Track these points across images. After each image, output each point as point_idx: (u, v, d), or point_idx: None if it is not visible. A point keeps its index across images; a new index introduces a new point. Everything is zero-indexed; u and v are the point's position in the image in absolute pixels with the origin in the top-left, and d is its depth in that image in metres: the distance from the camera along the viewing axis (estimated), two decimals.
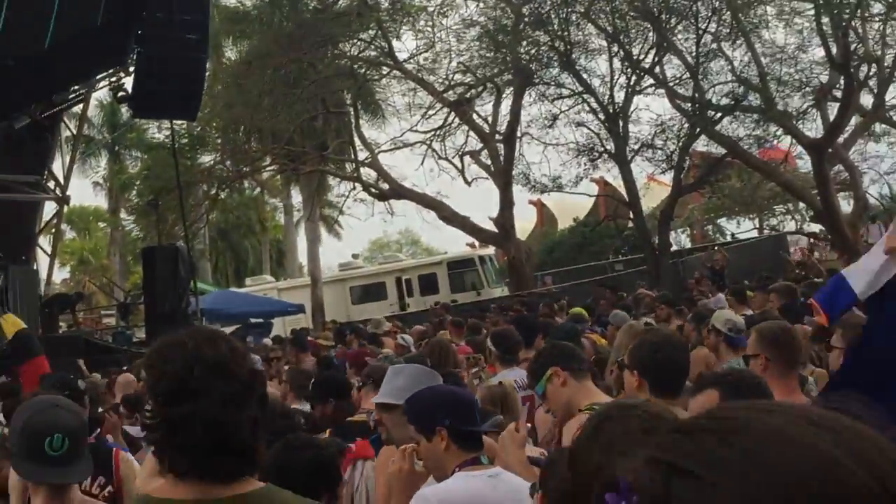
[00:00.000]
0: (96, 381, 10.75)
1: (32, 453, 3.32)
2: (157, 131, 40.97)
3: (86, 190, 59.10)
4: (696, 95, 28.97)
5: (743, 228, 46.38)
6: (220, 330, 2.65)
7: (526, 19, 30.59)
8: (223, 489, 2.40)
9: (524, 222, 44.21)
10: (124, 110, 39.78)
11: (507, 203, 32.24)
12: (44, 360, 10.45)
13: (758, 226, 45.83)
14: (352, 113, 34.50)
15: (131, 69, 25.57)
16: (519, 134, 32.23)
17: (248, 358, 2.54)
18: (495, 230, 32.84)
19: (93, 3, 23.53)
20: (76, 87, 27.27)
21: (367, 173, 34.25)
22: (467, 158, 34.08)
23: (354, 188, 34.49)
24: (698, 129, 29.01)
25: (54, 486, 3.43)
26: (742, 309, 11.33)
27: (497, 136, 32.72)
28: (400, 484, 3.93)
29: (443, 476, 3.89)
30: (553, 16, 29.80)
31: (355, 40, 33.77)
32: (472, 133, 33.24)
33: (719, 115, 29.04)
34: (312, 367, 11.44)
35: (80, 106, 30.15)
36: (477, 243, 39.89)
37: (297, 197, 44.57)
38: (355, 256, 45.63)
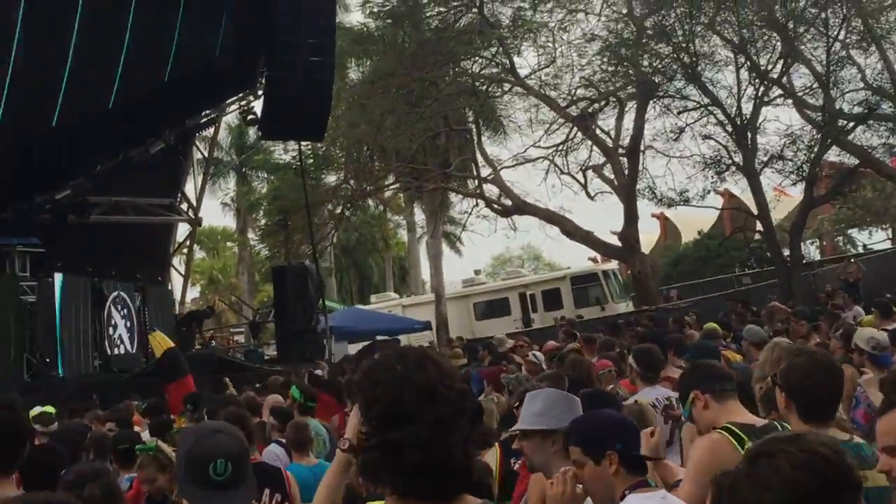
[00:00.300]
0: (251, 398, 10.97)
1: (198, 479, 3.39)
2: (283, 152, 41.88)
3: (214, 210, 60.59)
4: (826, 105, 28.29)
5: (875, 239, 45.19)
6: (429, 350, 2.68)
7: (648, 32, 30.33)
8: None
9: (647, 235, 43.68)
10: (251, 132, 40.81)
11: (631, 217, 31.97)
12: (190, 379, 10.73)
13: (891, 236, 44.54)
14: (474, 130, 34.61)
15: (259, 92, 26.20)
16: (642, 147, 31.95)
17: (457, 378, 2.57)
18: (619, 244, 32.57)
19: (212, 35, 24.25)
20: (207, 112, 28.02)
21: (490, 189, 34.36)
22: (590, 173, 33.94)
23: (477, 204, 34.63)
24: (829, 140, 28.32)
25: None
26: (886, 323, 11.00)
27: (620, 150, 32.47)
28: None
29: (608, 499, 3.90)
30: (677, 28, 29.45)
31: (477, 58, 33.94)
32: (595, 147, 33.07)
33: (851, 124, 28.31)
34: None
35: (211, 129, 30.90)
36: (599, 258, 39.60)
37: (419, 214, 44.99)
38: (477, 272, 45.59)
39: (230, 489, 3.39)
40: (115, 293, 24.81)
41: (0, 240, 22.81)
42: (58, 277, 23.03)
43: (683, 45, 29.38)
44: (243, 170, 50.16)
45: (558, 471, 4.05)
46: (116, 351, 24.63)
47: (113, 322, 24.66)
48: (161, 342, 11.17)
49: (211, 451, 3.40)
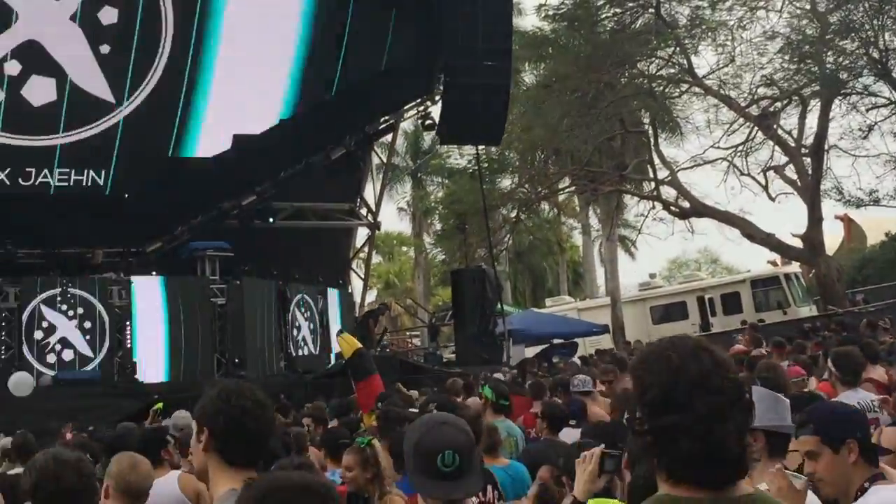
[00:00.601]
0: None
1: (426, 469, 3.47)
2: (458, 157, 42.29)
3: (391, 215, 61.53)
4: None
5: None
6: (704, 340, 2.68)
7: (833, 28, 29.35)
8: (720, 493, 2.45)
9: (829, 238, 42.19)
10: (427, 138, 41.35)
11: (815, 219, 30.97)
12: (378, 378, 10.92)
13: None
14: (650, 131, 34.18)
15: (437, 97, 26.54)
16: (827, 147, 30.89)
17: (733, 369, 2.55)
18: (801, 247, 31.61)
19: (380, 43, 24.73)
20: (386, 118, 28.53)
21: (667, 192, 33.87)
22: (771, 173, 33.03)
23: (654, 207, 34.15)
24: None
25: (447, 500, 3.56)
26: None
27: (803, 150, 31.49)
28: (787, 501, 3.85)
29: (841, 490, 3.82)
30: (865, 22, 28.38)
31: (653, 58, 33.53)
32: (776, 147, 32.17)
33: None
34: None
35: (389, 135, 31.38)
36: (779, 260, 38.46)
37: (593, 217, 44.64)
38: (653, 276, 44.92)
39: (458, 480, 3.45)
40: (298, 296, 25.48)
41: (192, 244, 23.83)
42: (245, 280, 23.84)
43: (872, 39, 28.32)
44: (419, 175, 50.80)
45: (758, 469, 3.97)
46: (300, 352, 25.28)
47: (297, 324, 25.34)
48: (350, 343, 11.43)
49: (438, 442, 3.47)
